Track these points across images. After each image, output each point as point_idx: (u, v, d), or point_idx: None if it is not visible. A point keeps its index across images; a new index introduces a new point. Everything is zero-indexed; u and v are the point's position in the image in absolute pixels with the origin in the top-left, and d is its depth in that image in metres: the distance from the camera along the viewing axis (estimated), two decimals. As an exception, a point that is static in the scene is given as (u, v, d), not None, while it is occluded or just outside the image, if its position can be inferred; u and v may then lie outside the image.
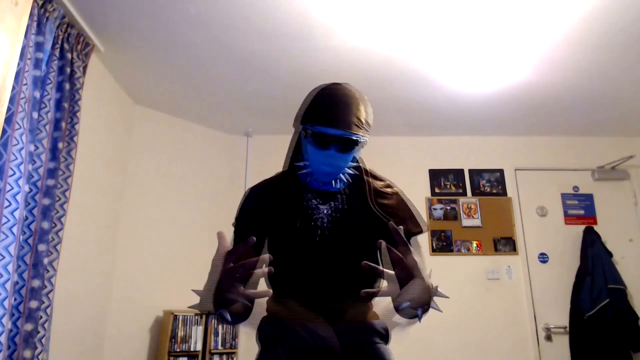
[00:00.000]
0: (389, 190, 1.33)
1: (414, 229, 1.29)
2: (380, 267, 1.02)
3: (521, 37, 2.56)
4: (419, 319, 1.05)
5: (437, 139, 3.97)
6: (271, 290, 0.96)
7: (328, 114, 1.19)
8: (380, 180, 1.35)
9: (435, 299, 1.07)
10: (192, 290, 1.04)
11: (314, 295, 1.22)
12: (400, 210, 1.30)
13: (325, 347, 1.20)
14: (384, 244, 0.99)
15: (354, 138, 1.19)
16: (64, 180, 2.31)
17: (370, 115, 1.26)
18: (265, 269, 0.99)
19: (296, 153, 1.31)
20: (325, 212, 1.26)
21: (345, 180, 1.29)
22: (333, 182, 1.27)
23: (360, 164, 1.32)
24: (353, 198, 1.29)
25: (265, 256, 0.97)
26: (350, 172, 1.28)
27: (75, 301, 2.62)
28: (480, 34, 2.54)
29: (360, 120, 1.20)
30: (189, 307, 1.09)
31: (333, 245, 1.23)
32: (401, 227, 1.02)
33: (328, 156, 1.20)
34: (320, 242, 1.23)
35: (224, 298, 0.98)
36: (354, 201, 1.28)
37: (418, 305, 1.01)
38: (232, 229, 1.32)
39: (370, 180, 1.32)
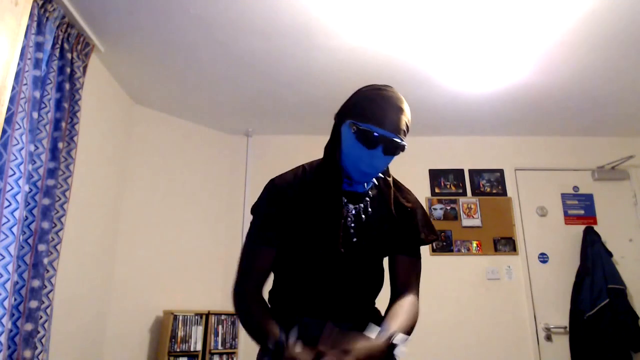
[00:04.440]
0: (408, 196, 1.33)
1: (430, 236, 1.30)
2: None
3: (521, 37, 2.56)
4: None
5: (437, 139, 3.97)
6: None
7: (382, 114, 1.13)
8: (400, 185, 1.35)
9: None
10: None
11: (330, 295, 1.22)
12: (418, 217, 1.30)
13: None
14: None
15: (402, 143, 1.15)
16: (64, 180, 2.31)
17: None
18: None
19: (328, 149, 1.25)
20: (353, 213, 1.24)
21: (374, 183, 1.28)
22: (365, 183, 1.25)
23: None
24: (376, 202, 1.27)
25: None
26: (380, 175, 1.27)
27: (75, 301, 2.63)
28: (481, 34, 2.54)
29: (408, 127, 1.18)
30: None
31: (358, 249, 1.22)
32: (333, 326, 1.08)
33: (372, 156, 1.14)
34: (350, 245, 1.21)
35: None
36: (377, 205, 1.27)
37: None
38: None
39: (392, 185, 1.31)
